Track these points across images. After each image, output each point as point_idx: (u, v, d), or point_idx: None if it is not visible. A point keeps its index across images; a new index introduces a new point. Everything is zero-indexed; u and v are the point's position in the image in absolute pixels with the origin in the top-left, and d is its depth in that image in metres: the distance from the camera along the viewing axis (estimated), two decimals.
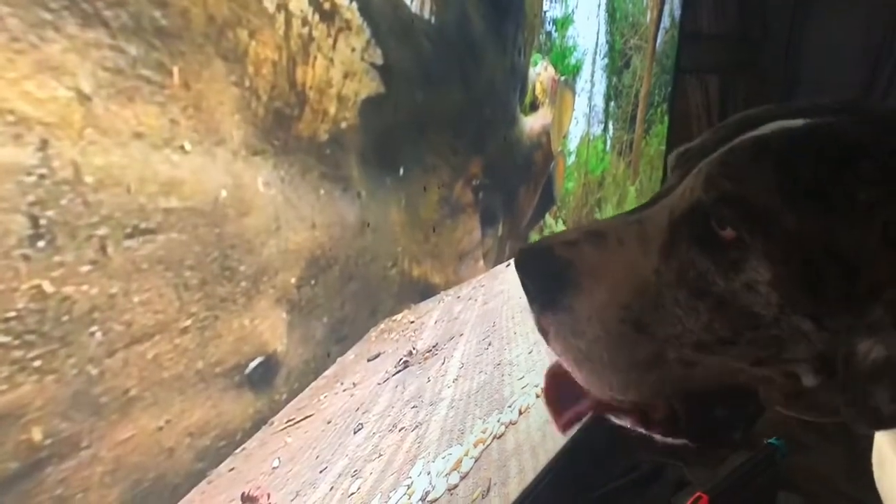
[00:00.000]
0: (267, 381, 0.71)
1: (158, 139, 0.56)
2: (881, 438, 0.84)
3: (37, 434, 0.51)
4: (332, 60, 0.73)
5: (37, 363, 0.50)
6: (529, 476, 1.32)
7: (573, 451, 1.49)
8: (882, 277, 0.52)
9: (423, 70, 0.87)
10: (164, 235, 0.58)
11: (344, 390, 0.82)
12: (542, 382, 1.22)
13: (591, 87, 1.34)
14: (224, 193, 0.63)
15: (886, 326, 0.51)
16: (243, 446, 0.69)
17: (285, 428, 0.74)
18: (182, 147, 0.58)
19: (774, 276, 0.54)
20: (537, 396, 1.33)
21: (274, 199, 0.68)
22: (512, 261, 1.13)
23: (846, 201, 0.53)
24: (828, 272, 0.54)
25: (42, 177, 0.49)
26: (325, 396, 0.79)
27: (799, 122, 0.58)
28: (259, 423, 0.71)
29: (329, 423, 0.80)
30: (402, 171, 0.85)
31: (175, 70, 0.57)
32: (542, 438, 1.37)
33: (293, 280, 0.72)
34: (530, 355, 1.28)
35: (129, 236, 0.55)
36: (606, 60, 1.39)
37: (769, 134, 0.57)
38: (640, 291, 0.59)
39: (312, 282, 0.75)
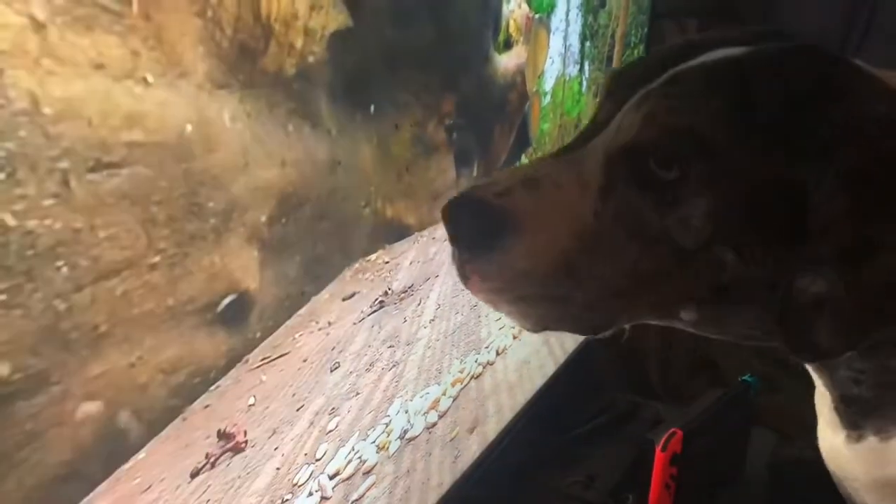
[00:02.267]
0: (240, 320, 0.71)
1: (119, 71, 0.55)
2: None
3: (4, 368, 0.51)
4: None
5: (2, 297, 0.50)
6: (507, 416, 1.34)
7: (550, 392, 1.51)
8: (832, 216, 0.52)
9: (392, 3, 0.85)
10: (129, 170, 0.57)
11: (319, 329, 0.82)
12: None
13: (566, 27, 1.32)
14: (189, 128, 0.62)
15: (829, 262, 0.52)
16: (218, 384, 0.70)
17: (260, 366, 0.74)
18: (144, 79, 0.57)
19: (713, 208, 0.55)
20: (514, 338, 1.34)
21: (241, 134, 0.67)
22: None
23: (805, 138, 0.53)
24: (773, 205, 0.54)
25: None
26: (300, 335, 0.79)
27: (740, 49, 0.57)
28: (233, 361, 0.71)
29: (305, 361, 0.80)
30: (372, 109, 0.84)
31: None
32: (519, 379, 1.39)
33: (264, 218, 0.72)
34: None
35: (93, 170, 0.54)
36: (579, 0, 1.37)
37: (714, 62, 0.57)
38: (578, 235, 0.59)
39: (283, 220, 0.74)
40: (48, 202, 0.52)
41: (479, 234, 0.60)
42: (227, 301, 0.69)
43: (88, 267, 0.55)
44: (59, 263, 0.53)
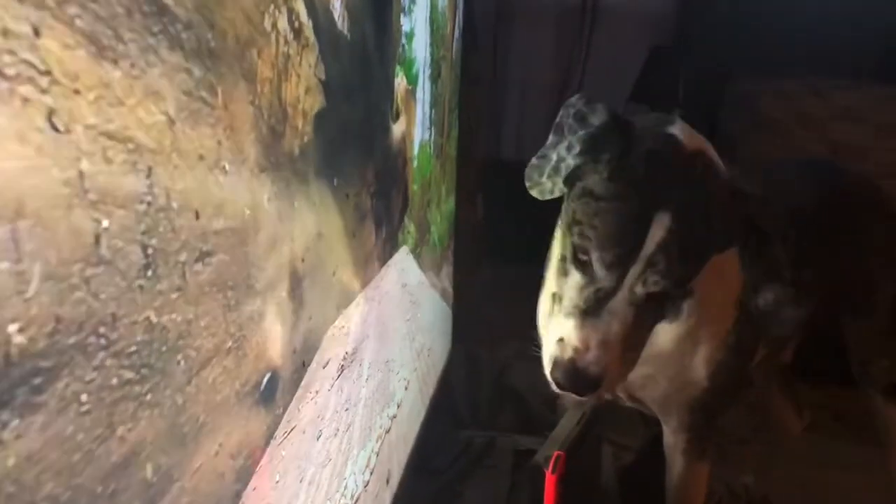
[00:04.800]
0: (272, 396, 0.71)
1: (212, 161, 0.56)
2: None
3: (149, 471, 0.49)
4: (299, 77, 0.74)
5: (148, 397, 0.49)
6: (404, 463, 1.39)
7: (421, 440, 1.58)
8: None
9: (345, 83, 0.90)
10: (216, 258, 0.58)
11: (311, 399, 0.83)
12: (410, 377, 1.30)
13: (423, 96, 1.43)
14: (248, 212, 0.63)
15: None
16: (260, 464, 0.69)
17: (281, 442, 0.75)
18: (224, 168, 0.58)
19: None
20: (405, 388, 1.40)
21: (272, 215, 0.69)
22: (392, 262, 1.20)
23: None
24: None
25: (149, 204, 0.48)
26: (302, 407, 0.80)
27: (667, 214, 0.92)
28: (268, 439, 0.71)
29: (304, 432, 0.81)
30: (335, 182, 0.88)
31: (219, 91, 0.57)
32: (409, 428, 1.45)
33: (284, 294, 0.73)
34: (401, 352, 1.35)
35: (198, 260, 0.55)
36: (430, 70, 1.49)
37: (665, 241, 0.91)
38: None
39: (293, 294, 0.76)
40: (174, 296, 0.51)
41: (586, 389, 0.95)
42: (266, 379, 0.69)
43: (195, 357, 0.55)
44: (179, 357, 0.53)
